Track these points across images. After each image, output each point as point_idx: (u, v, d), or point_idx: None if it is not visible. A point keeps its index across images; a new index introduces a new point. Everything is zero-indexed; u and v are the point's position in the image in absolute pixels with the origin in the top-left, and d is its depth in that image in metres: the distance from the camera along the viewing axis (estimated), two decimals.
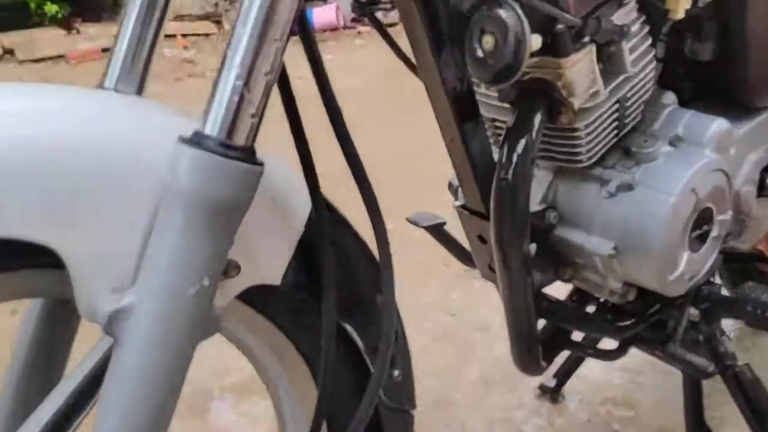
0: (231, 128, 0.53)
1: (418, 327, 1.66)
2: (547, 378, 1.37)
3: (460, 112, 0.74)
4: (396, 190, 1.68)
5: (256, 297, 0.60)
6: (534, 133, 0.72)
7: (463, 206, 0.86)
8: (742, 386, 0.95)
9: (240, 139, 0.53)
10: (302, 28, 0.51)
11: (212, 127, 0.53)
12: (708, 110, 0.88)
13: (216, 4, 4.41)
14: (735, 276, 1.35)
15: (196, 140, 0.52)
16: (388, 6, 0.70)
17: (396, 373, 0.70)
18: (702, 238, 0.84)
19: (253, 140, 0.55)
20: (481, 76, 0.67)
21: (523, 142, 0.72)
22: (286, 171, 0.60)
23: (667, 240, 0.78)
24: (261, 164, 0.54)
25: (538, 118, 0.73)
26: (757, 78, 0.89)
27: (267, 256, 0.60)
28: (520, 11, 0.62)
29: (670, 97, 0.87)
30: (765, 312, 0.87)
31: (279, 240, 0.61)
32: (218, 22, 4.33)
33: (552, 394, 1.37)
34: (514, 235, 0.73)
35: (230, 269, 0.55)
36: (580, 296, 1.02)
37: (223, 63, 0.54)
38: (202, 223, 0.51)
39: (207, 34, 4.27)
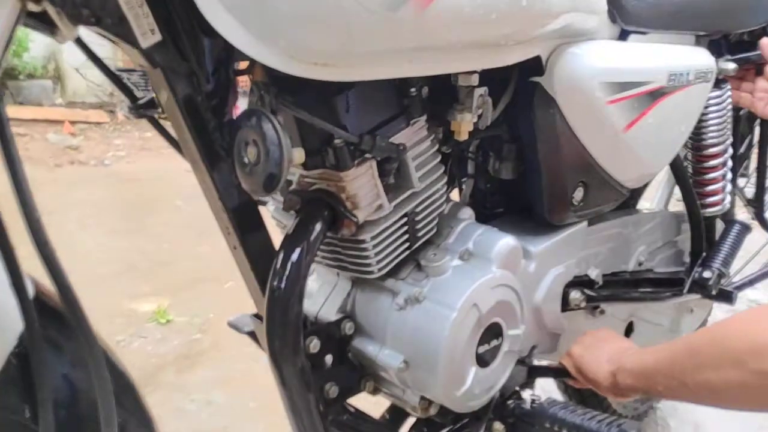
0: None
1: None
2: None
3: (240, 222, 0.73)
4: None
5: None
6: (311, 243, 0.72)
7: (256, 315, 0.84)
8: None
9: None
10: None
11: None
12: (509, 227, 0.92)
13: (111, 94, 4.37)
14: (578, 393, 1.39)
15: None
16: (160, 111, 0.70)
17: None
18: (493, 353, 0.84)
19: None
20: (248, 185, 0.66)
21: (298, 250, 0.71)
22: None
23: (450, 354, 0.78)
24: None
25: (317, 228, 0.73)
26: (551, 198, 0.93)
27: None
28: (278, 125, 0.62)
29: (467, 212, 0.89)
30: (562, 428, 0.87)
31: None
32: (112, 112, 4.27)
33: None
34: (286, 348, 0.71)
35: None
36: (395, 409, 1.00)
37: None
38: None
39: (98, 123, 4.19)
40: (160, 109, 0.69)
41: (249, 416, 1.67)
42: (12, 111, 3.63)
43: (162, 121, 0.74)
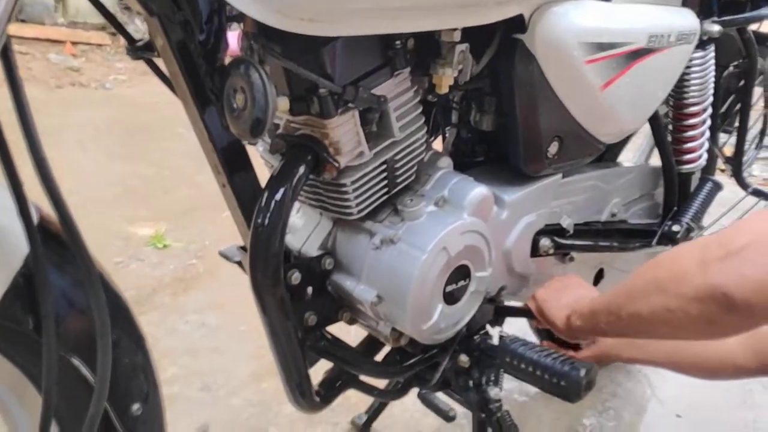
0: None
1: (243, 356, 1.69)
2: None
3: (228, 162, 0.78)
4: None
5: None
6: (294, 184, 0.77)
7: (242, 248, 0.90)
8: (502, 430, 1.03)
9: None
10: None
11: None
12: (487, 176, 0.97)
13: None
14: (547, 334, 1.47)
15: None
16: (156, 54, 0.74)
17: (135, 407, 0.72)
18: (460, 292, 0.91)
19: None
20: (236, 129, 0.71)
21: (282, 190, 0.77)
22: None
23: (419, 291, 0.85)
24: None
25: (300, 170, 0.78)
26: (527, 150, 0.98)
27: None
28: (264, 75, 0.67)
29: (445, 161, 0.94)
30: (520, 363, 0.95)
31: None
32: (114, 34, 4.23)
33: (361, 430, 1.41)
34: (267, 279, 0.78)
35: None
36: (371, 339, 1.08)
37: None
38: None
39: (100, 45, 4.16)
40: (156, 52, 0.73)
41: (239, 338, 1.77)
42: (14, 28, 3.59)
43: (158, 62, 0.78)
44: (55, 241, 0.67)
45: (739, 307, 0.58)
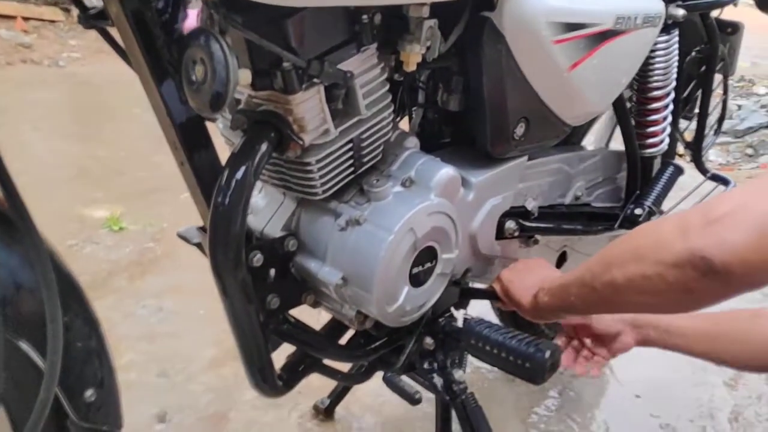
0: None
1: (202, 341, 1.66)
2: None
3: (186, 138, 0.75)
4: None
5: None
6: (256, 162, 0.75)
7: (202, 228, 0.87)
8: (466, 412, 1.02)
9: None
10: None
11: None
12: (454, 157, 0.96)
13: None
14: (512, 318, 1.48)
15: None
16: (110, 23, 0.70)
17: (89, 393, 0.69)
18: (426, 275, 0.90)
19: None
20: (195, 103, 0.68)
21: (244, 168, 0.74)
22: None
23: (385, 273, 0.83)
24: None
25: (263, 148, 0.75)
26: (494, 131, 0.97)
27: None
28: (225, 46, 0.64)
29: (412, 141, 0.93)
30: (485, 345, 0.95)
31: None
32: (67, 10, 4.09)
33: (324, 414, 1.40)
34: (228, 261, 0.75)
35: None
36: (334, 322, 1.06)
37: None
38: None
39: (53, 21, 4.01)
40: (110, 21, 0.69)
41: (198, 323, 1.74)
42: None
43: (112, 33, 0.74)
44: (2, 220, 0.63)
45: (719, 272, 0.58)
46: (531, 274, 0.99)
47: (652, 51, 1.18)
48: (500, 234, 1.07)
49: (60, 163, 2.52)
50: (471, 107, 0.97)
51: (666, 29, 1.17)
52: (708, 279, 0.59)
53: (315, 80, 0.76)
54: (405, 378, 1.05)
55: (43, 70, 3.49)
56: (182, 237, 1.05)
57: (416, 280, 0.89)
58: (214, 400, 1.49)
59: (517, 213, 1.09)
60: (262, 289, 0.85)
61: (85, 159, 2.59)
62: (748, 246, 0.56)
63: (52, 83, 3.34)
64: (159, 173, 2.42)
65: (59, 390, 0.63)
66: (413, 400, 0.97)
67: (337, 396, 1.41)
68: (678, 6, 1.15)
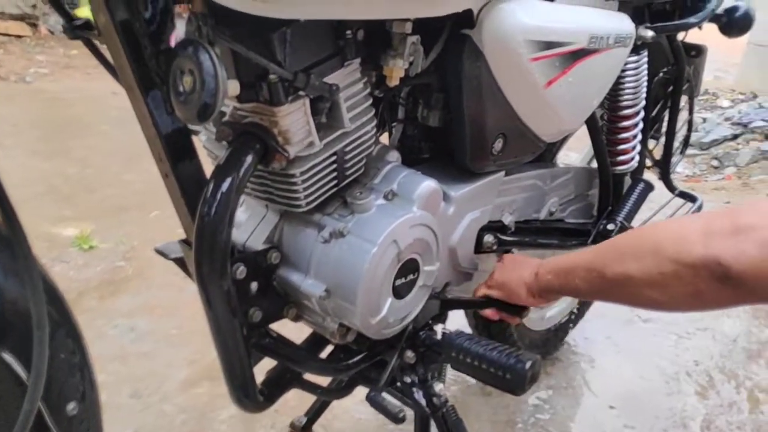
0: None
1: (176, 360, 1.63)
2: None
3: (172, 150, 0.75)
4: None
5: None
6: (242, 174, 0.75)
7: (184, 240, 0.87)
8: (447, 425, 1.03)
9: None
10: None
11: None
12: (433, 172, 0.97)
13: (34, 6, 4.12)
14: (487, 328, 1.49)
15: None
16: (96, 33, 0.70)
17: (71, 406, 0.67)
18: (408, 286, 0.91)
19: None
20: (182, 114, 0.68)
21: (229, 180, 0.74)
22: None
23: (368, 285, 0.83)
24: None
25: (248, 160, 0.76)
26: (473, 146, 0.99)
27: None
28: (215, 57, 0.64)
29: (394, 155, 0.94)
30: (466, 357, 0.96)
31: None
32: (34, 25, 4.04)
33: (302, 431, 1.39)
34: (214, 272, 0.75)
35: None
36: (315, 337, 1.06)
37: None
38: None
39: (19, 36, 3.95)
40: (96, 32, 0.69)
41: (170, 343, 1.71)
42: None
43: (97, 44, 0.74)
44: None
45: (732, 280, 0.60)
46: (520, 265, 1.00)
47: (623, 71, 1.22)
48: (479, 248, 1.08)
49: (28, 180, 2.47)
50: (451, 122, 0.99)
51: (636, 50, 1.21)
52: (720, 284, 0.61)
53: (301, 93, 0.77)
54: (387, 396, 1.05)
55: (9, 86, 3.43)
56: (160, 252, 1.04)
57: (398, 292, 0.89)
58: (189, 421, 1.47)
59: (495, 227, 1.10)
60: (245, 303, 0.85)
61: (53, 176, 2.55)
62: (764, 262, 0.58)
63: (19, 99, 3.28)
64: (129, 190, 2.39)
65: (41, 403, 0.62)
66: (397, 419, 0.97)
67: (314, 414, 1.40)
68: (647, 28, 1.19)
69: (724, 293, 0.62)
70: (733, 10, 1.38)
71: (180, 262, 1.08)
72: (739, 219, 0.61)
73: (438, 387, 1.03)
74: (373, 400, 0.95)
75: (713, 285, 0.61)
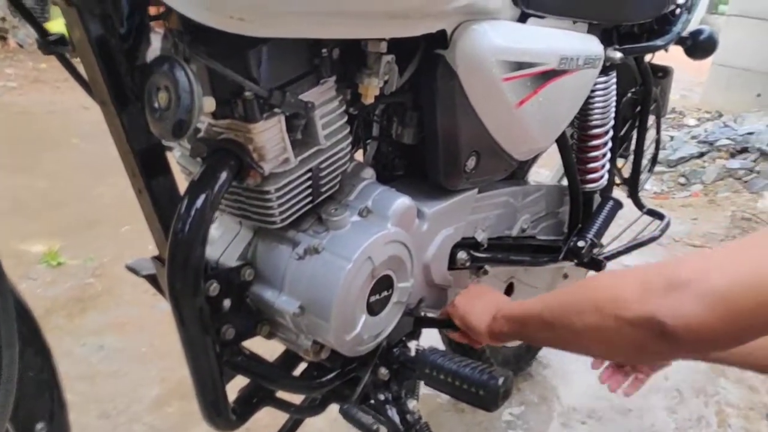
0: None
1: (146, 379, 1.61)
2: None
3: (146, 166, 0.74)
4: None
5: None
6: (216, 190, 0.75)
7: (156, 257, 0.86)
8: None
9: None
10: None
11: None
12: (407, 189, 0.98)
13: (3, 19, 4.06)
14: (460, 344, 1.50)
15: None
16: (70, 49, 0.69)
17: (39, 426, 0.66)
18: (383, 303, 0.91)
19: None
20: (157, 130, 0.68)
21: (203, 197, 0.74)
22: None
23: (343, 302, 0.84)
24: None
25: (223, 176, 0.75)
26: (446, 164, 1.00)
27: None
28: (190, 72, 0.65)
29: (368, 172, 0.94)
30: (439, 374, 0.96)
31: None
32: (3, 38, 3.98)
33: None
34: (187, 289, 0.74)
35: None
36: (288, 354, 1.06)
37: None
38: None
39: None
40: (70, 47, 0.69)
41: (140, 360, 1.68)
42: None
43: (72, 59, 0.74)
44: None
45: (669, 337, 0.61)
46: (482, 300, 1.01)
47: (592, 91, 1.25)
48: (452, 264, 1.09)
49: None
50: (425, 140, 1.00)
51: (605, 71, 1.23)
52: (660, 340, 0.62)
53: (276, 110, 0.77)
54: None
55: None
56: (131, 269, 1.03)
57: (373, 309, 0.90)
58: None
59: (468, 244, 1.12)
60: (218, 320, 0.84)
61: (21, 190, 2.50)
62: (699, 319, 0.59)
63: None
64: (99, 205, 2.35)
65: (9, 423, 0.61)
66: None
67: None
68: (615, 49, 1.22)
69: (665, 349, 0.63)
70: (698, 33, 1.42)
71: (151, 279, 1.06)
72: (674, 275, 0.62)
73: (411, 404, 1.03)
74: (346, 413, 0.94)
75: (654, 342, 0.63)
